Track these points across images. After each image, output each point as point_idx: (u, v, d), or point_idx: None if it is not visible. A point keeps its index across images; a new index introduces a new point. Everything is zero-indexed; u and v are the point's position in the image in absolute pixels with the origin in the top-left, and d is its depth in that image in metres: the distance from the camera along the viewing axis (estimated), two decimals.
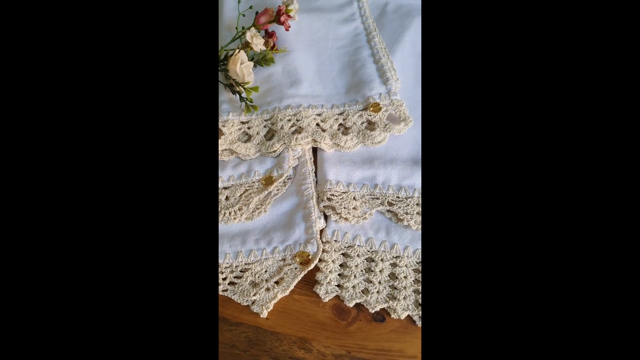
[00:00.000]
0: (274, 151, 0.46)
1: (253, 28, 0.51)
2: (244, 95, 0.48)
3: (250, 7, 0.55)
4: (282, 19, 0.51)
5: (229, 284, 0.39)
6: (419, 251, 0.40)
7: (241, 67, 0.48)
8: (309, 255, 0.39)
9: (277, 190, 0.44)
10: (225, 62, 0.50)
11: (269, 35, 0.53)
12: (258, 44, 0.50)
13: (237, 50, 0.49)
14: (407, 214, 0.42)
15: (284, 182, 0.45)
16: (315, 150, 0.48)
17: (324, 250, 0.40)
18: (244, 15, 0.55)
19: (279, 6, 0.53)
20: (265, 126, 0.48)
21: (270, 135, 0.48)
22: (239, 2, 0.55)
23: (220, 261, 0.40)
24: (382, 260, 0.40)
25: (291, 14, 0.54)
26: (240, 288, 0.39)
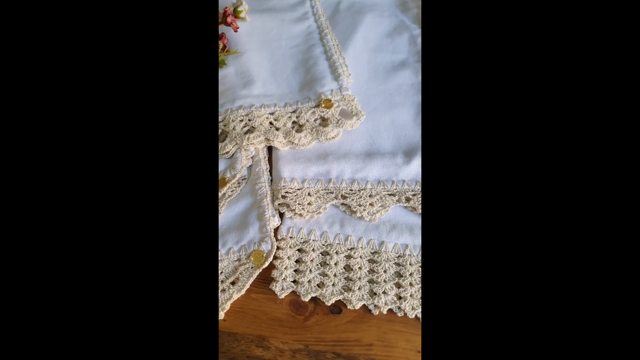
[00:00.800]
0: (227, 152, 0.45)
1: None
2: None
3: None
4: (229, 20, 0.51)
5: None
6: (373, 241, 0.41)
7: None
8: (263, 253, 0.39)
9: (232, 191, 0.44)
10: None
11: (218, 37, 0.52)
12: None
13: None
14: (360, 205, 0.42)
15: (238, 183, 0.45)
16: (270, 149, 0.48)
17: (279, 248, 0.40)
18: None
19: (225, 7, 0.52)
20: (217, 128, 0.48)
21: (222, 137, 0.47)
22: None
23: None
24: (336, 252, 0.40)
25: (241, 15, 0.54)
26: None
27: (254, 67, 0.53)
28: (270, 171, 0.46)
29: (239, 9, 0.53)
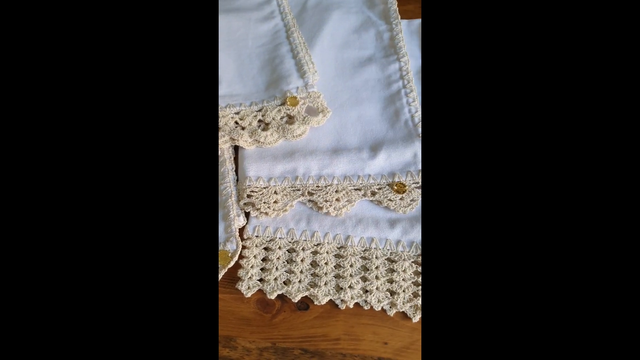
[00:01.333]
0: None
1: None
2: None
3: None
4: None
5: None
6: (339, 236, 0.41)
7: None
8: (228, 253, 0.39)
9: None
10: None
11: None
12: None
13: None
14: (326, 201, 0.42)
15: None
16: (237, 149, 0.47)
17: (244, 247, 0.40)
18: None
19: None
20: None
21: None
22: None
23: None
24: (303, 249, 0.40)
25: None
26: None
27: (219, 68, 0.53)
28: (237, 171, 0.45)
29: None
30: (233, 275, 0.39)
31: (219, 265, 0.38)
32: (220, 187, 0.43)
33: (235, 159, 0.46)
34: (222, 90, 0.50)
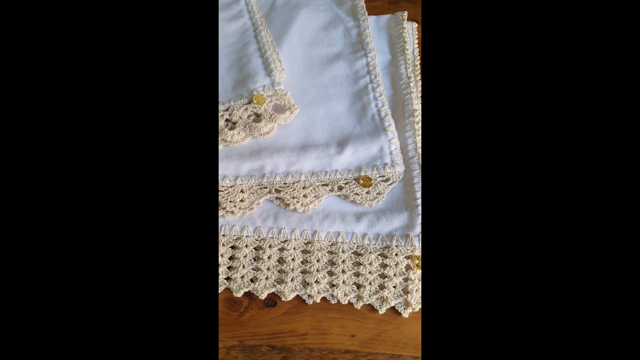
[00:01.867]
0: None
1: None
2: None
3: None
4: None
5: None
6: (306, 232, 0.40)
7: None
8: None
9: None
10: None
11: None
12: None
13: None
14: (293, 198, 0.42)
15: None
16: None
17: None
18: None
19: None
20: None
21: None
22: None
23: None
24: (269, 246, 0.40)
25: None
26: None
27: None
28: None
29: None
30: None
31: None
32: None
33: None
34: None
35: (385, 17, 0.60)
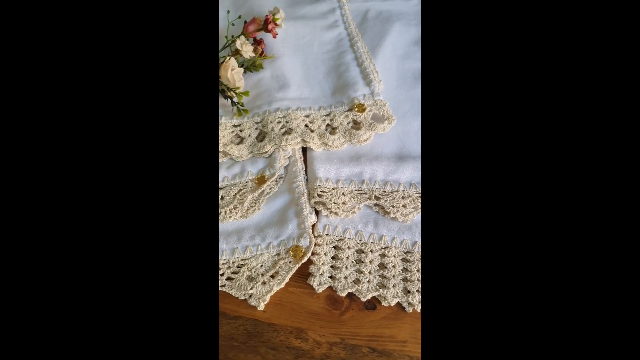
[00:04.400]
0: (266, 152, 0.45)
1: (242, 36, 0.51)
2: (235, 99, 0.48)
3: (239, 17, 0.55)
4: (270, 27, 0.51)
5: (226, 279, 0.39)
6: (406, 241, 0.40)
7: (232, 73, 0.48)
8: (302, 249, 0.39)
9: (270, 189, 0.44)
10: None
11: (257, 42, 0.53)
12: (247, 50, 0.49)
13: (228, 57, 0.48)
14: (393, 206, 0.42)
15: (276, 181, 0.45)
16: (304, 150, 0.48)
17: (316, 244, 0.40)
18: (232, 25, 0.54)
19: (267, 15, 0.52)
20: (256, 128, 0.48)
21: (261, 137, 0.47)
22: (228, 12, 0.55)
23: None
24: (371, 251, 0.40)
25: (278, 22, 0.54)
26: (237, 283, 0.38)
27: (288, 71, 0.53)
28: (305, 171, 0.46)
29: (276, 16, 0.54)
30: (302, 271, 0.39)
31: (292, 260, 0.39)
32: (293, 185, 0.44)
33: (304, 160, 0.47)
34: (291, 93, 0.51)
35: None
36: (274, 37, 0.53)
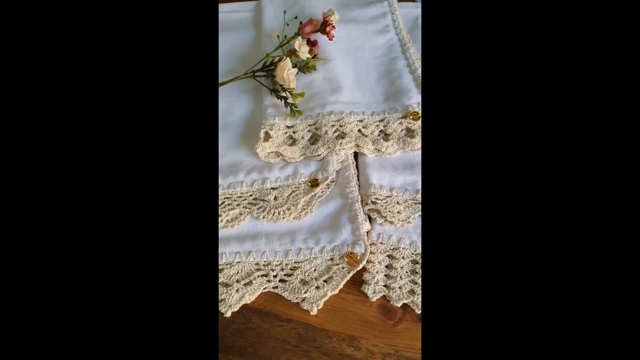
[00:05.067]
0: (319, 155, 0.45)
1: (300, 37, 0.50)
2: (289, 100, 0.48)
3: (295, 17, 0.54)
4: (328, 29, 0.51)
5: (279, 281, 0.38)
6: None
7: (287, 73, 0.47)
8: (357, 256, 0.38)
9: (322, 192, 0.44)
10: (272, 68, 0.50)
11: (312, 44, 0.52)
12: (304, 52, 0.49)
13: (285, 57, 0.48)
14: None
15: (328, 185, 0.44)
16: (355, 155, 0.47)
17: (370, 252, 0.39)
18: (287, 25, 0.54)
19: (325, 17, 0.52)
20: (309, 131, 0.47)
21: (313, 139, 0.47)
22: (284, 12, 0.55)
23: (271, 259, 0.40)
24: None
25: (332, 24, 0.53)
26: (290, 285, 0.38)
27: (340, 74, 0.53)
28: (357, 176, 0.45)
29: (331, 18, 0.53)
30: (356, 278, 0.39)
31: (347, 266, 0.38)
32: (346, 190, 0.43)
33: (356, 166, 0.46)
34: (344, 97, 0.50)
35: None
36: (331, 39, 0.53)
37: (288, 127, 0.48)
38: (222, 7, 0.65)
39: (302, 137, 0.47)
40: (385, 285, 0.38)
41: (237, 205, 0.43)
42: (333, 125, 0.47)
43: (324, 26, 0.51)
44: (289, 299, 0.37)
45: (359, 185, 0.44)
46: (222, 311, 0.37)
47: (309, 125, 0.48)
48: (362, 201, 0.42)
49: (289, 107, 0.48)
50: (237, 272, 0.39)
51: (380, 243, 0.40)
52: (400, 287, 0.38)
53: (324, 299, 0.37)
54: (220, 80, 0.54)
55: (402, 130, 0.47)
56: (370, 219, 0.42)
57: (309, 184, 0.44)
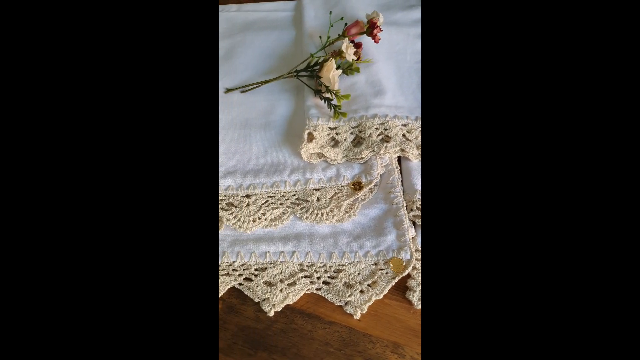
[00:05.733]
0: (362, 158, 0.45)
1: (347, 38, 0.50)
2: (334, 102, 0.47)
3: (341, 19, 0.54)
4: (375, 31, 0.50)
5: (323, 282, 0.38)
6: None
7: (333, 74, 0.47)
8: (402, 262, 0.38)
9: (365, 195, 0.43)
10: (316, 68, 0.49)
11: (356, 45, 0.52)
12: (350, 53, 0.49)
13: (331, 58, 0.48)
14: None
15: (371, 189, 0.44)
16: (399, 160, 0.46)
17: (415, 259, 0.39)
18: (332, 26, 0.54)
19: (372, 19, 0.51)
20: (352, 133, 0.47)
21: (356, 142, 0.46)
22: (330, 13, 0.55)
23: (315, 260, 0.39)
24: None
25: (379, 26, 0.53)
26: (334, 288, 0.38)
27: (383, 77, 0.52)
28: (401, 181, 0.45)
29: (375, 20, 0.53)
30: (400, 284, 0.38)
31: (392, 272, 0.38)
32: (391, 195, 0.43)
33: (399, 171, 0.45)
34: (387, 100, 0.50)
35: None
36: (377, 41, 0.52)
37: (331, 128, 0.47)
38: (262, 6, 0.65)
39: (344, 139, 0.46)
40: None
41: (281, 204, 0.42)
42: (377, 129, 0.46)
43: (371, 28, 0.51)
44: (332, 301, 0.37)
45: (403, 191, 0.44)
46: (265, 310, 0.37)
47: (352, 128, 0.47)
48: (406, 207, 0.42)
49: (332, 109, 0.47)
50: (281, 272, 0.39)
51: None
52: None
53: (368, 304, 0.36)
54: (261, 79, 0.54)
55: None
56: (414, 225, 0.41)
57: (352, 186, 0.43)
